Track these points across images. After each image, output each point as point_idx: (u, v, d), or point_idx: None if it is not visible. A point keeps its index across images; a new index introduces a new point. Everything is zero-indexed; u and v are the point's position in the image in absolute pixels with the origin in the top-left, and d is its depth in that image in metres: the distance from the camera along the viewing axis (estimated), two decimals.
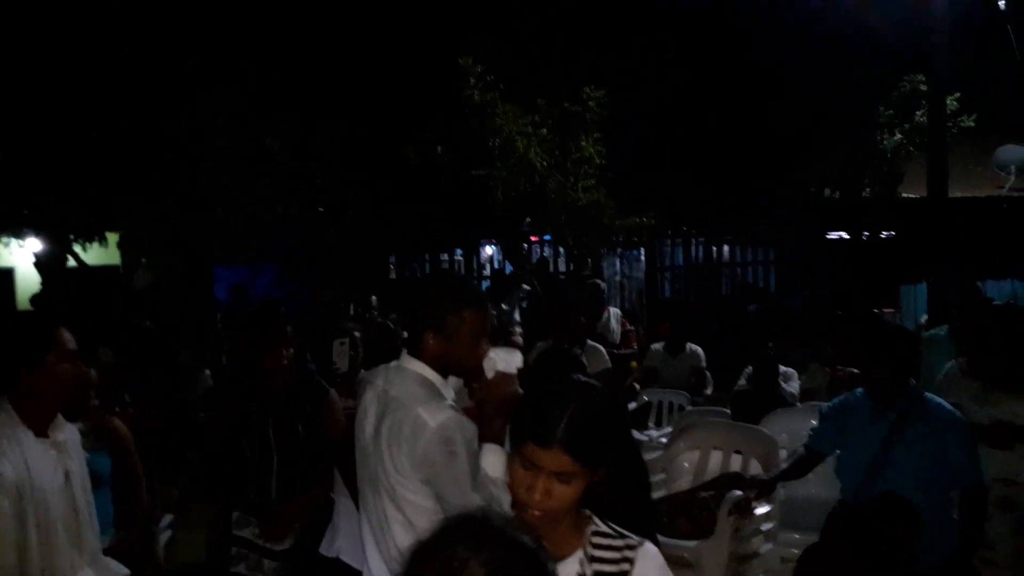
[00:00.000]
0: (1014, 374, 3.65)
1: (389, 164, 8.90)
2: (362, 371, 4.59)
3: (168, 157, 8.16)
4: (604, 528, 1.65)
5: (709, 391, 7.24)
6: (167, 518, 4.06)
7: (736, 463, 3.75)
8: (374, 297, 7.64)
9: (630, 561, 1.59)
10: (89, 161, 8.40)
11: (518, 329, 6.46)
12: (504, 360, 2.24)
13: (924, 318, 8.71)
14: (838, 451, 3.44)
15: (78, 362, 2.50)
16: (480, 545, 1.11)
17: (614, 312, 7.66)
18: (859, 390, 3.45)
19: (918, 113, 10.25)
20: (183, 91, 8.21)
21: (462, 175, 8.22)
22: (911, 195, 10.90)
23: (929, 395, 3.33)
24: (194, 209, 8.57)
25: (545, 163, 8.05)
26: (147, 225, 8.58)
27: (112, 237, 8.87)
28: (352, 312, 8.06)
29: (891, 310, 12.83)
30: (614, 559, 1.60)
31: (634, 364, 7.30)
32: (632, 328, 8.13)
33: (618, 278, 13.50)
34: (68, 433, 2.51)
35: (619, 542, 1.62)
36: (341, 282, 9.36)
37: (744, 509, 3.22)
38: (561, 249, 9.91)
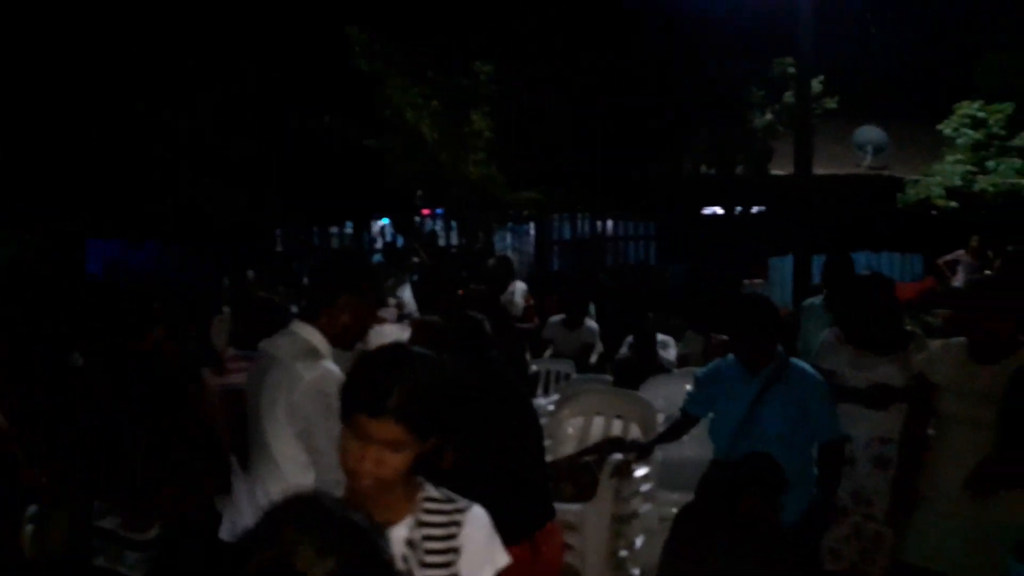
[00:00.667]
0: (884, 339, 3.90)
1: (274, 133, 8.64)
2: (230, 349, 4.49)
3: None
4: (435, 494, 1.69)
5: (594, 359, 7.53)
6: (32, 508, 3.87)
7: (617, 428, 3.96)
8: (251, 272, 7.43)
9: (458, 524, 1.66)
10: None
11: (407, 304, 6.51)
12: (393, 335, 2.38)
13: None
14: (711, 414, 3.68)
15: None
16: (310, 526, 1.11)
17: (520, 286, 7.73)
18: (730, 356, 3.69)
19: (786, 94, 10.84)
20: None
21: (352, 145, 8.09)
22: (780, 172, 11.57)
23: (794, 360, 3.60)
24: (62, 179, 8.07)
25: (437, 136, 8.05)
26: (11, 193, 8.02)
27: None
28: (227, 286, 7.77)
29: (760, 281, 13.65)
30: (443, 523, 1.65)
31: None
32: (533, 304, 8.29)
33: (509, 252, 13.71)
34: None
35: (448, 506, 1.68)
36: (222, 256, 9.06)
37: (624, 472, 3.41)
38: (453, 223, 9.96)
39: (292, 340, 2.55)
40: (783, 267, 12.65)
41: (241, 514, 3.06)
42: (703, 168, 11.41)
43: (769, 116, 11.05)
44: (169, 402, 3.21)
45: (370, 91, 7.78)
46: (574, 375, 6.73)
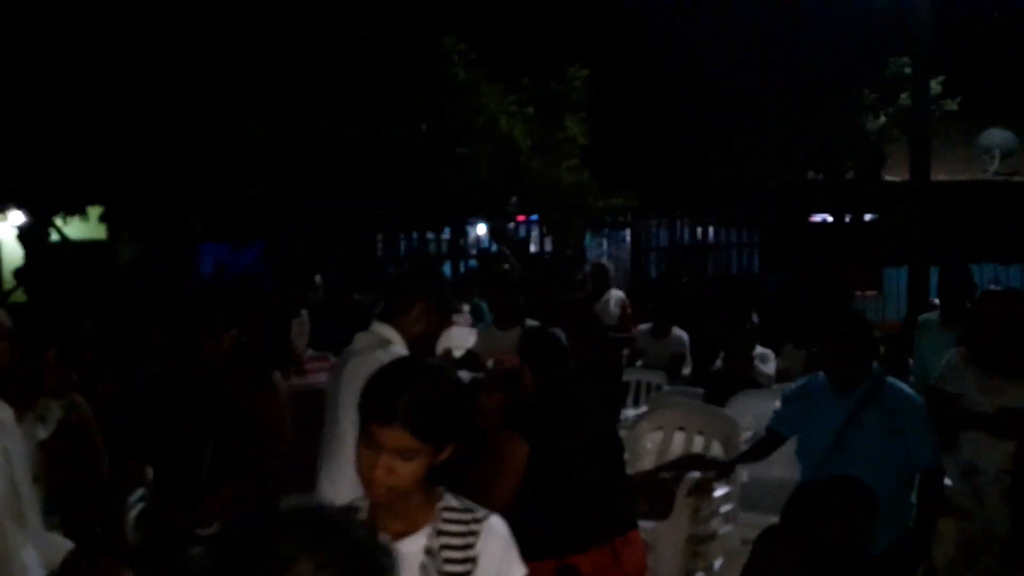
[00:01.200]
0: (1016, 361, 3.56)
1: (372, 142, 8.85)
2: (309, 350, 4.62)
3: (149, 134, 8.10)
4: (455, 504, 1.70)
5: (687, 372, 7.31)
6: (138, 492, 4.06)
7: (698, 445, 3.80)
8: (318, 276, 7.63)
9: (475, 534, 1.65)
10: (73, 135, 8.33)
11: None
12: (458, 338, 2.55)
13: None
14: (799, 434, 3.48)
15: (10, 341, 2.57)
16: (309, 541, 1.07)
17: (615, 295, 7.64)
18: (820, 374, 3.49)
19: (902, 96, 10.26)
20: (168, 74, 8.15)
21: (446, 153, 8.20)
22: (894, 178, 10.94)
23: (891, 379, 3.37)
24: (178, 185, 8.51)
25: (529, 142, 8.05)
26: (131, 199, 8.53)
27: (94, 211, 8.82)
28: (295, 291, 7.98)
29: (873, 292, 12.96)
30: (461, 532, 1.65)
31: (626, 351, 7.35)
32: (631, 313, 8.15)
33: (604, 259, 13.56)
34: (3, 412, 2.49)
35: (467, 516, 1.68)
36: (324, 260, 9.36)
37: (703, 490, 3.27)
38: (546, 230, 9.94)
39: (371, 335, 2.73)
40: (898, 278, 11.99)
41: None
42: (810, 174, 10.94)
43: (883, 119, 10.49)
44: (242, 405, 3.30)
45: (464, 98, 7.86)
46: (665, 387, 6.55)
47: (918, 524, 3.25)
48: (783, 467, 3.80)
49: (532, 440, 2.82)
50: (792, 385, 3.64)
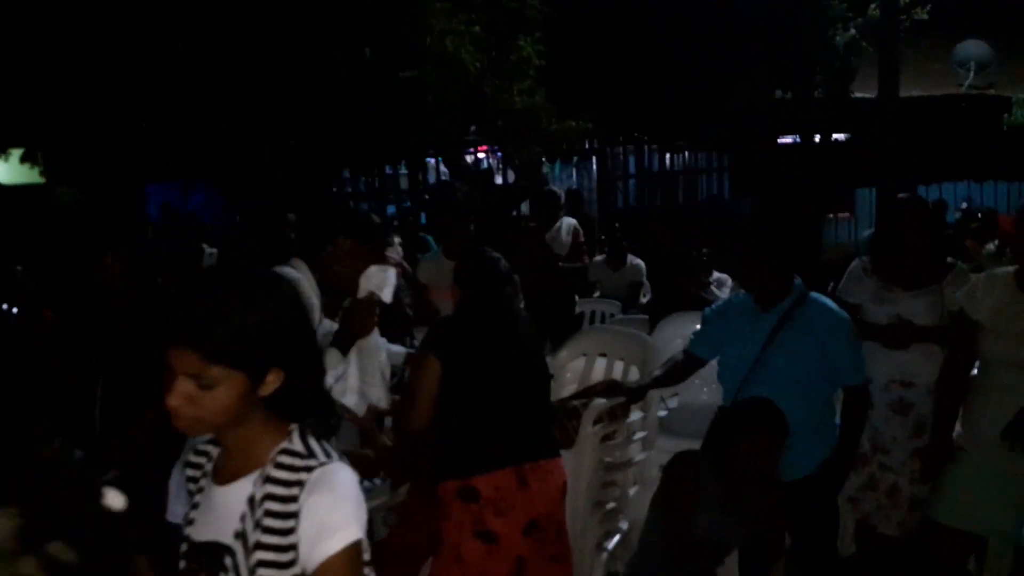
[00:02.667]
0: (915, 270, 3.49)
1: (317, 72, 8.45)
2: None
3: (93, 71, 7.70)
4: (297, 447, 1.44)
5: (645, 299, 7.16)
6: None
7: (619, 371, 3.65)
8: (292, 215, 7.34)
9: (300, 484, 1.38)
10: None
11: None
12: (375, 278, 2.71)
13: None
14: (720, 355, 3.31)
15: None
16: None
17: (567, 222, 7.38)
18: (742, 292, 3.30)
19: (871, 7, 9.87)
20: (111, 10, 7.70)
21: (392, 80, 7.80)
22: (864, 94, 10.63)
23: (814, 295, 3.18)
24: (121, 125, 8.16)
25: (479, 64, 7.66)
26: (70, 141, 8.18)
27: (17, 153, 8.45)
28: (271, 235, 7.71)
29: (846, 214, 12.77)
30: (288, 481, 1.39)
31: None
32: (584, 241, 7.92)
33: (573, 189, 13.27)
34: None
35: (300, 463, 1.41)
36: (275, 200, 9.05)
37: (613, 417, 3.11)
38: (503, 158, 9.63)
39: (281, 271, 2.63)
40: (871, 199, 11.78)
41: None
42: (778, 93, 10.59)
43: (852, 31, 10.09)
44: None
45: (410, 18, 7.41)
46: (618, 316, 6.41)
47: (841, 445, 3.10)
48: (712, 392, 3.65)
49: (444, 358, 2.67)
50: (712, 305, 3.44)
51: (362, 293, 2.84)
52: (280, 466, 1.40)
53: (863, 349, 3.15)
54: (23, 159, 8.19)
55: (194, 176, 9.41)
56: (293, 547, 1.37)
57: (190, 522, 1.48)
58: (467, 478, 2.61)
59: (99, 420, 3.17)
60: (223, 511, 1.42)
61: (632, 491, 3.31)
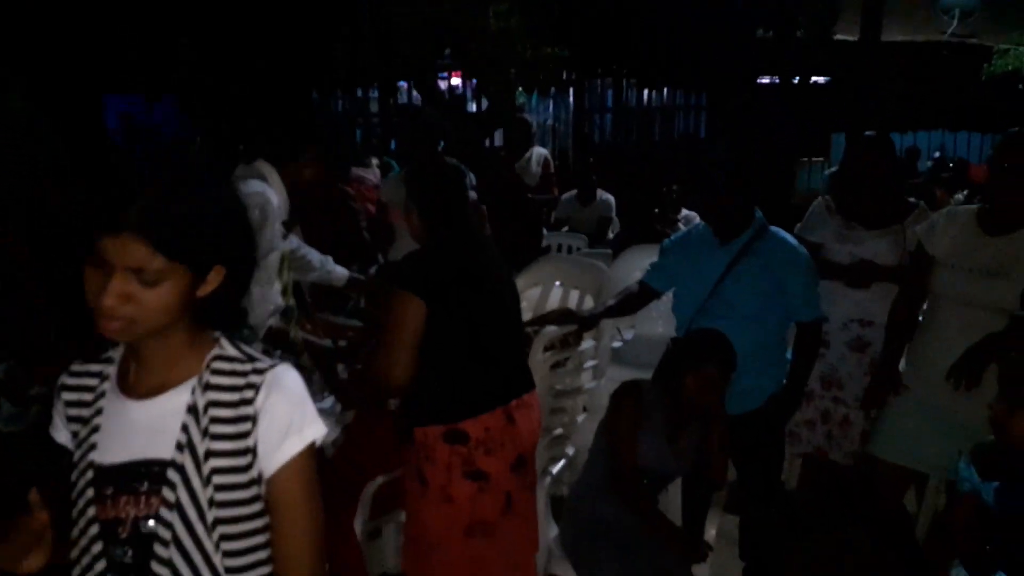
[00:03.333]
0: (877, 210, 3.47)
1: None
2: None
3: None
4: (232, 352, 1.38)
5: (612, 235, 7.11)
6: None
7: (574, 300, 3.61)
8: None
9: (254, 387, 1.34)
10: None
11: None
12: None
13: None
14: (675, 287, 3.28)
15: None
16: None
17: (537, 152, 7.23)
18: (701, 223, 3.25)
19: None
20: None
21: None
22: (847, 37, 10.46)
23: (774, 229, 3.14)
24: (80, 28, 7.77)
25: None
26: (18, 43, 7.78)
27: None
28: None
29: (820, 159, 12.71)
30: (236, 386, 1.34)
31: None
32: (554, 173, 7.80)
33: (550, 122, 13.03)
34: None
35: (246, 366, 1.36)
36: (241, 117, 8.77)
37: (565, 344, 3.08)
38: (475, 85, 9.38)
39: (248, 168, 2.70)
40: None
41: None
42: (760, 32, 10.38)
43: None
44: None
45: None
46: (584, 250, 6.36)
47: (790, 380, 3.11)
48: (667, 325, 3.63)
49: (426, 298, 2.40)
50: (671, 236, 3.40)
51: None
52: (219, 372, 1.34)
53: (822, 288, 3.13)
54: None
55: (157, 90, 9.07)
56: (249, 450, 1.32)
57: (92, 447, 1.36)
58: (454, 423, 2.48)
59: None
60: (150, 425, 1.34)
61: (580, 418, 3.31)
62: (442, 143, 4.49)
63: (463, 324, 2.48)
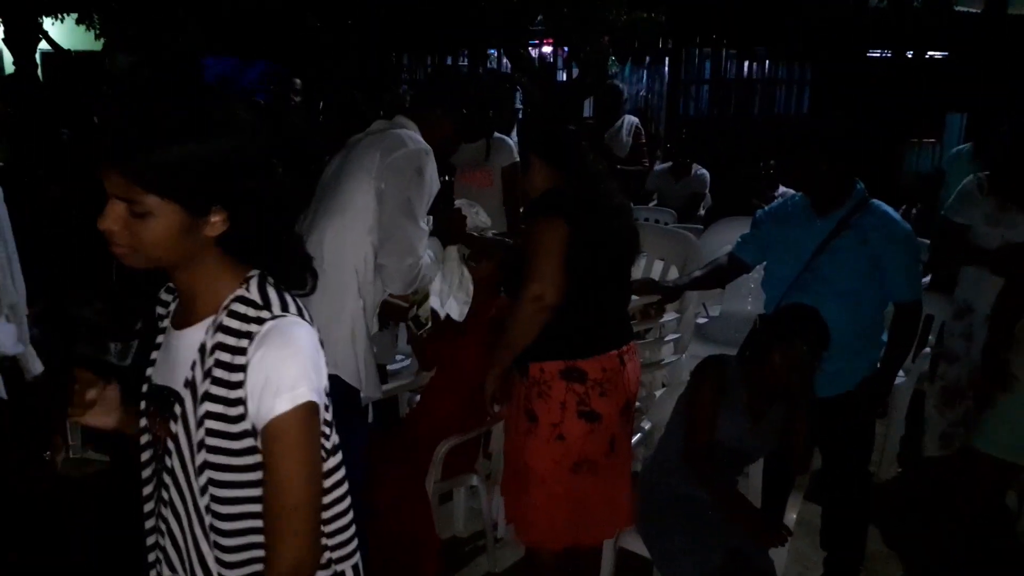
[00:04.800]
0: None
1: None
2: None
3: None
4: (252, 295, 1.31)
5: (703, 211, 6.88)
6: None
7: (658, 270, 3.48)
8: (297, 80, 7.15)
9: (250, 337, 1.27)
10: None
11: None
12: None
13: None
14: (767, 261, 3.12)
15: None
16: None
17: (628, 121, 7.02)
18: (798, 195, 3.07)
19: None
20: None
21: None
22: (968, 8, 9.76)
23: (876, 203, 2.93)
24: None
25: None
26: (130, 5, 8.06)
27: (72, 17, 8.35)
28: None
29: (932, 140, 11.96)
30: (239, 331, 1.28)
31: None
32: (645, 143, 7.59)
33: (643, 93, 12.70)
34: None
35: (253, 313, 1.29)
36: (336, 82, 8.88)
37: (647, 315, 2.97)
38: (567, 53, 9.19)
39: (390, 122, 2.68)
40: (962, 126, 10.99)
41: None
42: (872, 1, 9.79)
43: None
44: None
45: None
46: (673, 225, 6.17)
47: (883, 366, 2.92)
48: (756, 302, 3.48)
49: (572, 225, 2.42)
50: (765, 208, 3.22)
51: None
52: (233, 314, 1.29)
53: (967, 275, 2.91)
54: (78, 21, 8.12)
55: (253, 52, 9.26)
56: (241, 401, 1.27)
57: (152, 362, 1.43)
58: (574, 360, 2.51)
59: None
60: (176, 356, 1.35)
61: (659, 393, 3.21)
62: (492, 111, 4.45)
63: (594, 255, 2.48)
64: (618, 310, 2.66)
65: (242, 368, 1.27)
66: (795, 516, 2.67)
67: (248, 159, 1.26)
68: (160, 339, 1.43)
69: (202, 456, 1.30)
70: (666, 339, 3.24)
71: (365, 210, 2.54)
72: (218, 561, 1.33)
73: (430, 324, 3.03)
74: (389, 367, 3.63)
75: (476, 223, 3.13)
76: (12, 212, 3.01)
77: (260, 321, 1.28)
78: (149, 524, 1.46)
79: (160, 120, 1.19)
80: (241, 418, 1.28)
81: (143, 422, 1.44)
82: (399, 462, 3.11)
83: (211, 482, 1.30)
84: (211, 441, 1.29)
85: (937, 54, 11.01)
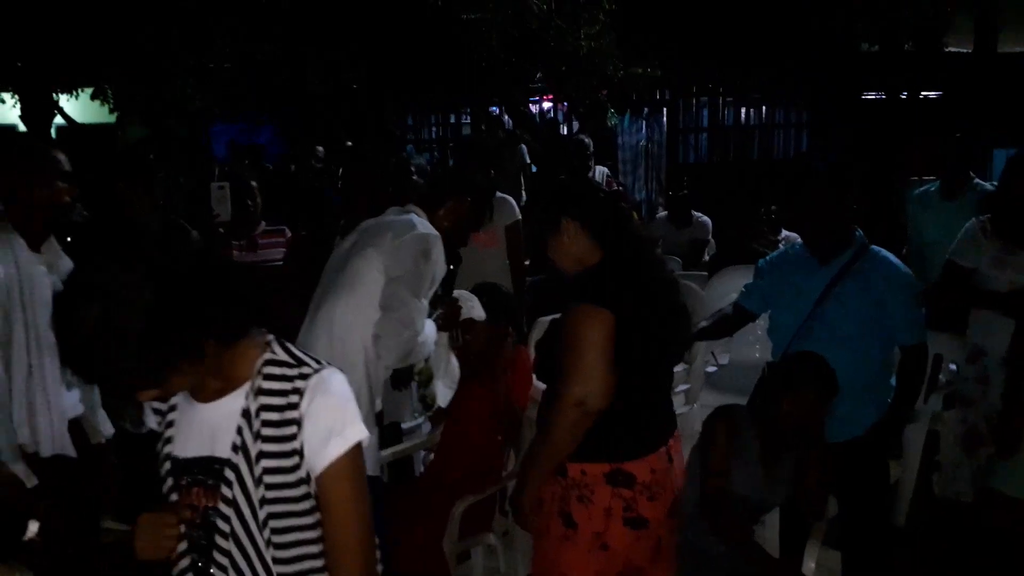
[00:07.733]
0: None
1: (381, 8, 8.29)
2: (262, 224, 4.64)
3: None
4: (282, 356, 1.45)
5: (707, 257, 6.93)
6: None
7: None
8: (320, 148, 7.32)
9: (299, 392, 1.40)
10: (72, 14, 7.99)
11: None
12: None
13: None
14: (771, 310, 3.16)
15: (65, 183, 2.66)
16: None
17: (599, 171, 7.17)
18: (799, 243, 3.13)
19: None
20: None
21: (453, 16, 7.54)
22: (959, 49, 9.95)
23: (876, 249, 2.99)
24: (184, 60, 8.18)
25: (544, 6, 7.39)
26: (141, 79, 8.27)
27: (87, 92, 8.57)
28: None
29: (931, 178, 12.08)
30: (282, 390, 1.41)
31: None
32: (619, 189, 7.66)
33: (643, 143, 12.88)
34: (60, 258, 2.71)
35: (293, 371, 1.43)
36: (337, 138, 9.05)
37: None
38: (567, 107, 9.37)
39: (402, 209, 2.89)
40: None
41: None
42: (864, 46, 9.99)
43: None
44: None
45: None
46: (678, 272, 6.22)
47: (893, 408, 2.94)
48: (764, 350, 3.51)
49: (613, 309, 2.13)
50: (767, 257, 3.28)
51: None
52: (269, 377, 1.42)
53: (978, 319, 2.94)
54: (93, 96, 8.35)
55: (257, 107, 9.47)
56: (296, 452, 1.39)
57: (168, 440, 1.51)
58: (620, 462, 2.25)
59: None
60: (211, 427, 1.44)
61: None
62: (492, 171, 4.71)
63: (644, 347, 2.22)
64: (665, 399, 2.44)
65: (295, 422, 1.39)
66: (813, 565, 2.67)
67: (217, 302, 1.41)
68: (172, 416, 1.51)
69: (266, 510, 1.39)
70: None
71: (374, 286, 2.66)
72: None
73: (436, 405, 3.13)
74: (403, 425, 3.67)
75: (470, 316, 3.23)
76: None
77: (304, 376, 1.42)
78: None
79: (142, 338, 1.35)
80: (297, 467, 1.39)
81: (171, 497, 1.49)
82: (415, 522, 3.11)
83: (274, 531, 1.40)
84: (272, 495, 1.39)
85: (931, 94, 11.19)
